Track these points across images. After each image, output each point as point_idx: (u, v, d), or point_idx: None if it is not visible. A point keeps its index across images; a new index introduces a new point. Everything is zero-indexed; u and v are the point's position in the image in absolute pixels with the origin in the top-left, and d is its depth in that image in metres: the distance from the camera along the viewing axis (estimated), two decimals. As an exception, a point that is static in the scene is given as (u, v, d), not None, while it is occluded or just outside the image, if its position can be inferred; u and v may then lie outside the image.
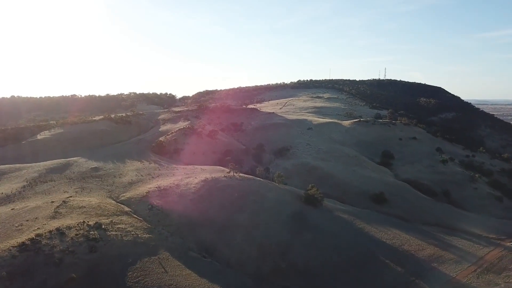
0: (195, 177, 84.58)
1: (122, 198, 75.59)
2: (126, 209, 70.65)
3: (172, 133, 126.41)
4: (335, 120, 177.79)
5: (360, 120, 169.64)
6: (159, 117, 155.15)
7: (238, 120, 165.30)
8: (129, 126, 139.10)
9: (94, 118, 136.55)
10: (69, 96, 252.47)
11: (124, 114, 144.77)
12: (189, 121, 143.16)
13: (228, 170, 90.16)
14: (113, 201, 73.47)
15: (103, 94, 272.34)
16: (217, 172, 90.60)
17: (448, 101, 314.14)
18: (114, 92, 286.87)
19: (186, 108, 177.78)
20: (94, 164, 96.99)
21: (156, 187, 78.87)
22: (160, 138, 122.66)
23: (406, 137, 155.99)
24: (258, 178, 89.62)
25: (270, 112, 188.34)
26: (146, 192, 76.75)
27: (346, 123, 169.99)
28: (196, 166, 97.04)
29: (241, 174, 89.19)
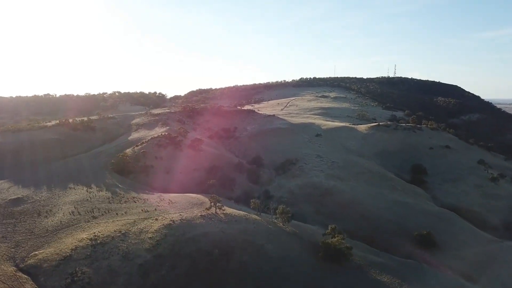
0: (156, 219, 55.67)
1: (30, 261, 46.58)
2: (27, 286, 41.71)
3: (142, 143, 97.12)
4: (348, 124, 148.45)
5: (379, 125, 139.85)
6: (133, 122, 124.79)
7: (231, 125, 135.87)
8: (91, 134, 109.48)
9: (46, 124, 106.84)
10: (42, 95, 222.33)
11: (86, 118, 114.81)
12: (168, 127, 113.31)
13: (208, 203, 61.17)
14: (10, 269, 44.60)
15: (82, 93, 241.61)
16: (192, 207, 61.56)
17: (468, 101, 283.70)
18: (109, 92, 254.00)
19: (168, 110, 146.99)
20: (18, 192, 68.03)
21: (91, 239, 49.96)
22: (126, 150, 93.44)
23: (437, 146, 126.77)
24: (253, 216, 60.64)
25: (270, 115, 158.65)
26: (72, 249, 47.86)
27: (362, 127, 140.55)
28: (163, 196, 67.90)
29: (226, 210, 60.18)
